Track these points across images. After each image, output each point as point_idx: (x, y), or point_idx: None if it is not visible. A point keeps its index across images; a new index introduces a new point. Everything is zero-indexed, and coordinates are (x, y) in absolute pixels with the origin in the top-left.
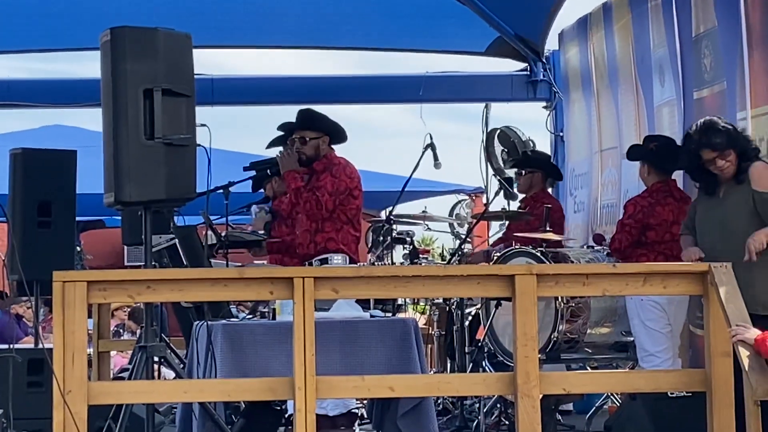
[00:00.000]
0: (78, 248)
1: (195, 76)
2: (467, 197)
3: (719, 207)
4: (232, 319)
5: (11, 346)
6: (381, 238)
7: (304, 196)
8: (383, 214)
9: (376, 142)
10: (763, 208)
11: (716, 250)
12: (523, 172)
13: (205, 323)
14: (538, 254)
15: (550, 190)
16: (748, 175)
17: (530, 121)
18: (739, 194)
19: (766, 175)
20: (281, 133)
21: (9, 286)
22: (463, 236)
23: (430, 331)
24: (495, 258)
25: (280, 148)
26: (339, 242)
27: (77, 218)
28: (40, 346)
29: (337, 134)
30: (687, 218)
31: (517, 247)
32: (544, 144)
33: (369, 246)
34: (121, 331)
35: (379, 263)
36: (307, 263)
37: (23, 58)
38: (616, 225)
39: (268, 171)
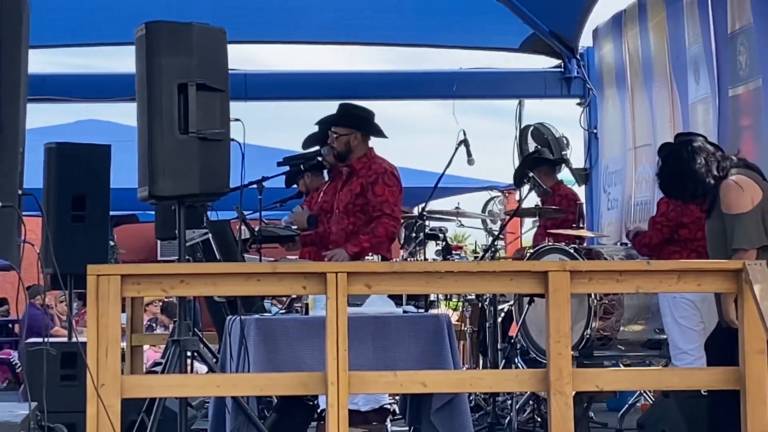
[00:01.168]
0: (111, 243)
1: (229, 71)
2: (500, 194)
3: (714, 220)
4: (265, 314)
5: (45, 339)
6: (414, 234)
7: (383, 222)
8: (416, 211)
9: (409, 138)
10: (729, 228)
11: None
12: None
13: (239, 318)
14: (572, 251)
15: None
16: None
17: (564, 117)
18: (718, 210)
19: (726, 196)
20: (316, 130)
21: (43, 279)
22: (496, 233)
23: (462, 328)
24: (528, 254)
25: (317, 147)
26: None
27: (111, 213)
28: (74, 339)
29: (369, 131)
30: None
31: (550, 243)
32: (577, 141)
33: (401, 242)
34: (154, 325)
35: (411, 259)
36: None
37: (58, 52)
38: (648, 221)
39: (302, 166)
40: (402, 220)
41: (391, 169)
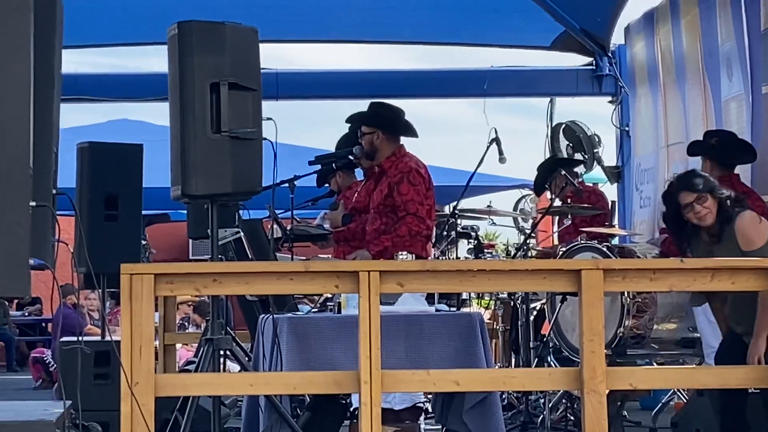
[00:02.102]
0: (143, 242)
1: (261, 71)
2: (532, 192)
3: (715, 252)
4: (297, 313)
5: (80, 338)
6: (445, 232)
7: (407, 221)
8: (448, 209)
9: (440, 136)
10: None
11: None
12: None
13: (271, 317)
14: (604, 249)
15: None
16: (734, 227)
17: (595, 115)
18: (731, 247)
19: (747, 233)
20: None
21: (76, 278)
22: (528, 231)
23: (494, 326)
24: (560, 253)
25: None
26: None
27: (143, 212)
28: (107, 338)
29: (393, 130)
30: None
31: (582, 241)
32: (609, 139)
33: (433, 241)
34: (186, 324)
35: (443, 258)
36: None
37: (91, 52)
38: None
39: (333, 165)
40: (434, 219)
41: (416, 167)
